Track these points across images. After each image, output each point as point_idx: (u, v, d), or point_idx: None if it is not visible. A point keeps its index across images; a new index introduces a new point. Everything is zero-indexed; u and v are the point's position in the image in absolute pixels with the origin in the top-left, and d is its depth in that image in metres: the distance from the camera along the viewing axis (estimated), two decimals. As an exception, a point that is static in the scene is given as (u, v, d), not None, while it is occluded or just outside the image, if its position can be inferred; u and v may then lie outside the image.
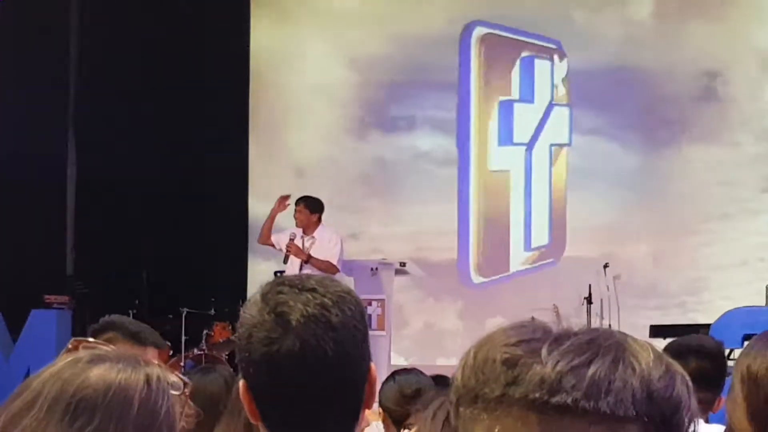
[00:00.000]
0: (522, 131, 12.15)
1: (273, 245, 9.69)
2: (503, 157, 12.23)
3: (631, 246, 11.76)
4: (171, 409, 1.48)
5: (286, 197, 9.79)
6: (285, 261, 9.35)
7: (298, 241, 9.44)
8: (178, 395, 1.51)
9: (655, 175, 11.91)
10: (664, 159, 11.92)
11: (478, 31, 12.21)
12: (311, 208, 9.54)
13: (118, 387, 1.45)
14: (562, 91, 12.19)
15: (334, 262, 9.34)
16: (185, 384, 1.54)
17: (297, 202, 9.61)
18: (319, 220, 9.63)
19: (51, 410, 1.43)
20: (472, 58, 12.26)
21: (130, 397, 1.44)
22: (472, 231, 12.16)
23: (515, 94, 12.18)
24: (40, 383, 1.46)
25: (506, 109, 12.19)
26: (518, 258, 12.14)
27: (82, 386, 1.44)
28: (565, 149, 12.20)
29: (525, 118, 12.14)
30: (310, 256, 9.27)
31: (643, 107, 11.98)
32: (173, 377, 1.52)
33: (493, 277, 12.08)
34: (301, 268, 9.03)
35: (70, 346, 1.80)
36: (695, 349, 3.51)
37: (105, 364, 1.48)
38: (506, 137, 12.21)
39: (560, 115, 12.18)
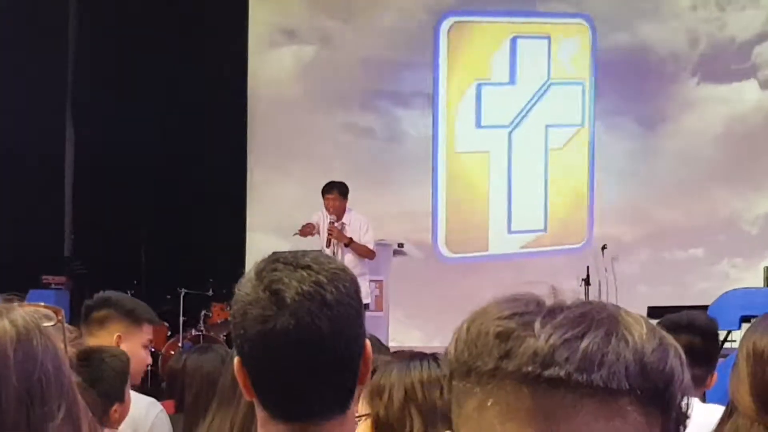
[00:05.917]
0: (504, 113, 12.06)
1: (312, 233, 9.30)
2: (480, 138, 12.13)
3: (628, 227, 11.76)
4: (49, 342, 1.42)
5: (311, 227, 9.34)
6: (327, 245, 9.04)
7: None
8: (53, 325, 1.46)
9: (654, 156, 11.89)
10: (662, 139, 11.90)
11: (448, 21, 12.13)
12: (343, 193, 9.36)
13: None
14: (572, 70, 12.05)
15: (371, 247, 9.29)
16: (56, 311, 1.50)
17: (328, 190, 9.28)
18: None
19: None
20: (441, 44, 12.17)
21: (3, 351, 1.37)
22: (441, 211, 12.17)
23: (497, 76, 12.06)
24: None
25: (482, 91, 12.07)
26: (501, 240, 12.10)
27: None
28: (577, 129, 12.08)
29: (508, 99, 12.05)
30: (351, 240, 9.16)
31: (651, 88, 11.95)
32: (42, 310, 1.47)
33: (465, 254, 12.03)
34: (342, 253, 8.88)
35: None
36: (686, 324, 3.51)
37: None
38: (482, 119, 12.10)
39: (568, 95, 12.05)
